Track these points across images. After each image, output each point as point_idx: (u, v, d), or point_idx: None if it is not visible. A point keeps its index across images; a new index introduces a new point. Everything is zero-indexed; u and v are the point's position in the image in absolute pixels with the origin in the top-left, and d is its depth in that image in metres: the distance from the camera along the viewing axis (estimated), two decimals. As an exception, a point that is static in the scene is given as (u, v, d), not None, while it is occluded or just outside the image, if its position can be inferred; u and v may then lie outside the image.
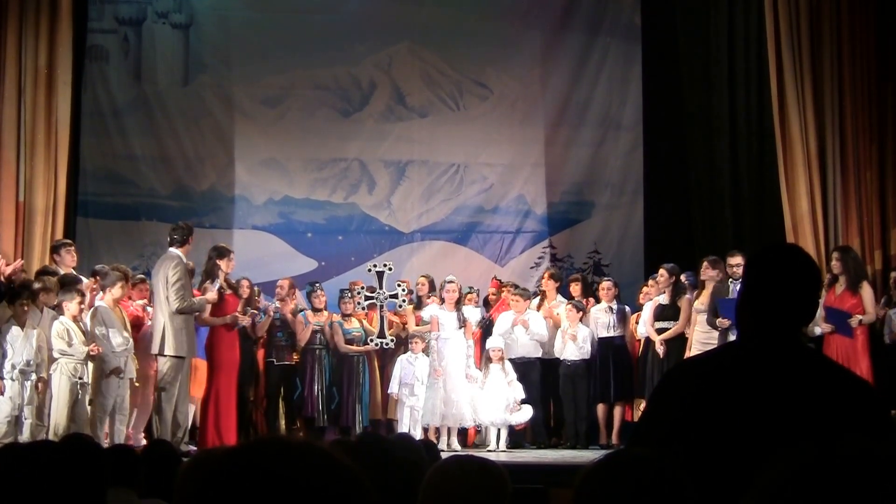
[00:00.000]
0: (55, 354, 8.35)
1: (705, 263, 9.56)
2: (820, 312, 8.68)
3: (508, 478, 2.51)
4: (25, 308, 8.31)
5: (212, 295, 9.04)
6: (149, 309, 9.46)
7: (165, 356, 8.69)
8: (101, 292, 8.96)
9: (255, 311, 9.98)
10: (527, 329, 10.12)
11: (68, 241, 9.95)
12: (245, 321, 9.49)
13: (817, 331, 9.12)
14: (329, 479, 1.21)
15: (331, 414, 10.16)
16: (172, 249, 8.97)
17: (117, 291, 8.81)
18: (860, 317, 9.12)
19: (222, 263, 9.24)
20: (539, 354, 10.27)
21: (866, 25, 11.13)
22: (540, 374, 10.26)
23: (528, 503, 6.59)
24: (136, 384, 9.02)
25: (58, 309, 8.57)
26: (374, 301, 9.99)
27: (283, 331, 10.25)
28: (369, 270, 10.16)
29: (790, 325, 2.36)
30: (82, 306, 8.67)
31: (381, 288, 9.93)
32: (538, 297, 10.79)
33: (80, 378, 8.41)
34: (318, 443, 1.27)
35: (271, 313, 10.09)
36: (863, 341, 9.14)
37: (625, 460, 1.73)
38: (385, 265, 10.09)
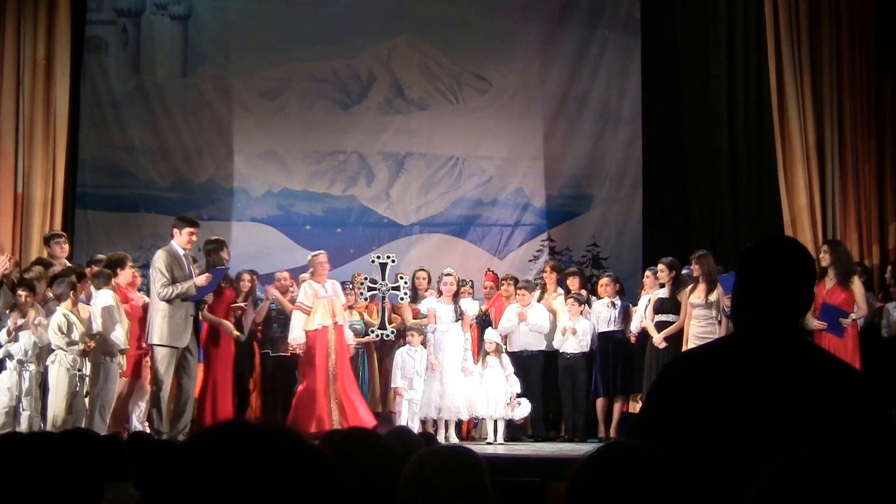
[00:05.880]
0: (53, 346, 8.33)
1: (693, 260, 9.55)
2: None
3: (483, 462, 2.51)
4: (24, 299, 8.31)
5: (200, 279, 8.75)
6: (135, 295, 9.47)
7: (155, 345, 8.66)
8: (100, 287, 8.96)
9: (243, 306, 9.79)
10: (525, 321, 10.13)
11: (59, 232, 9.94)
12: (238, 312, 9.48)
13: (811, 325, 9.09)
14: (297, 461, 1.19)
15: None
16: (173, 241, 8.94)
17: (122, 278, 8.97)
18: (853, 315, 9.12)
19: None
20: (542, 347, 10.28)
21: (865, 19, 11.13)
22: (542, 367, 10.27)
23: (526, 496, 6.60)
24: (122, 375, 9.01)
25: (55, 301, 8.56)
26: (377, 292, 9.99)
27: (277, 322, 10.23)
28: (373, 261, 10.18)
29: (787, 317, 2.36)
30: (78, 297, 8.66)
31: (383, 279, 9.94)
32: (539, 290, 10.79)
33: (79, 370, 8.40)
34: (286, 427, 1.25)
35: (268, 298, 10.06)
36: (854, 338, 9.13)
37: (619, 452, 1.72)
38: (388, 256, 10.11)
